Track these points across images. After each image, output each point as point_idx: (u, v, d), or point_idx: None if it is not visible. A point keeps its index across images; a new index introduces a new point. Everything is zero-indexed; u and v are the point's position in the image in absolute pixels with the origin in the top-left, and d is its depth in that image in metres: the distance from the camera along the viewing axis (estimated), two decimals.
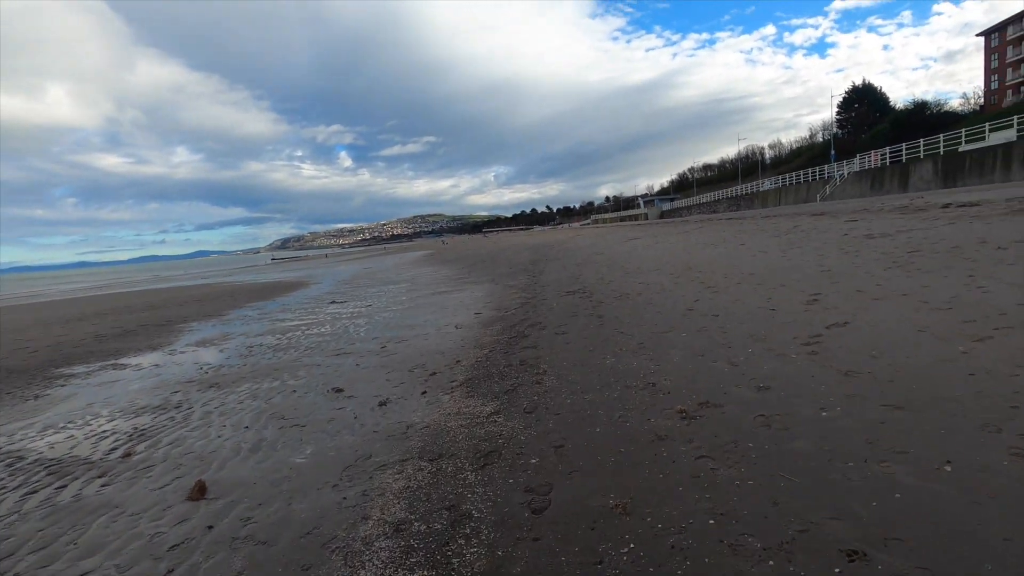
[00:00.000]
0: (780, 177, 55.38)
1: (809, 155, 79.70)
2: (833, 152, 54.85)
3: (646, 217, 79.41)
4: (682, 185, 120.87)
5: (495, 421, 4.12)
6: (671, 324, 6.42)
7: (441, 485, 3.18)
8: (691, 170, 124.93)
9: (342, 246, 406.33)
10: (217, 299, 20.54)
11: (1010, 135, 29.74)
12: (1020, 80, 59.07)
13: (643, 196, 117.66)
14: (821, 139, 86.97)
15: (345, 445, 4.13)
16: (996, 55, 63.51)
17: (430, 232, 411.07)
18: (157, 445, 4.68)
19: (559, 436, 3.61)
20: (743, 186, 62.98)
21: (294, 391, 6.07)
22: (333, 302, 15.58)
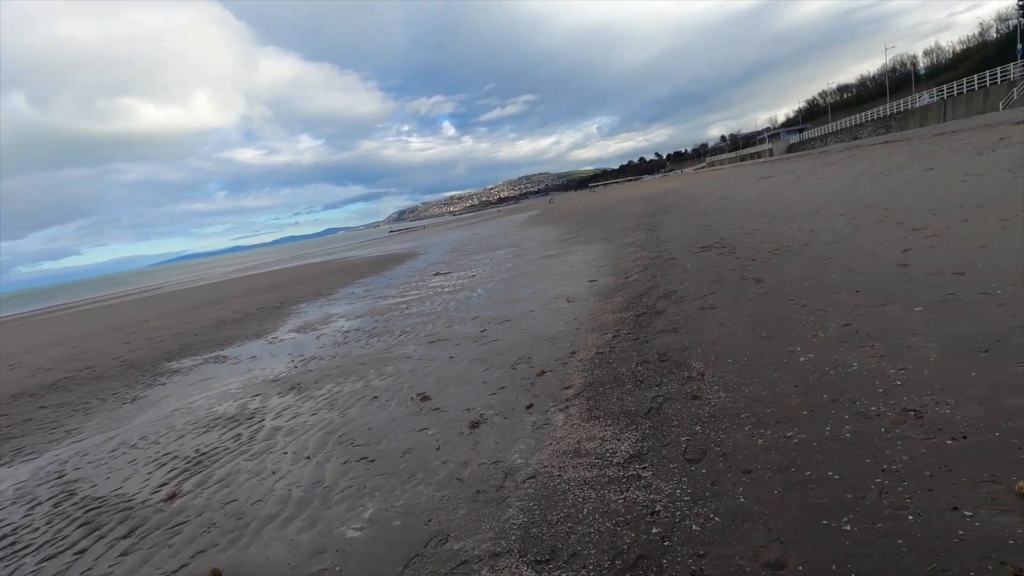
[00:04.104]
0: (941, 88, 45.79)
1: (980, 57, 65.62)
2: (1020, 46, 44.11)
3: (771, 153, 70.91)
4: (812, 113, 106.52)
5: (639, 477, 2.57)
6: (884, 291, 4.34)
7: None
8: (823, 94, 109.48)
9: (453, 213, 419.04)
10: (332, 276, 20.92)
11: None
12: None
13: (766, 130, 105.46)
14: (995, 35, 71.19)
15: (417, 506, 2.84)
16: None
17: (536, 192, 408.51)
18: (205, 484, 3.76)
19: (766, 533, 1.97)
20: (892, 104, 53.29)
21: (375, 397, 4.97)
22: (437, 274, 14.80)
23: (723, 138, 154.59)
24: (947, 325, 3.37)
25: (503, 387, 4.48)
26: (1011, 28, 59.58)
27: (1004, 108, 32.84)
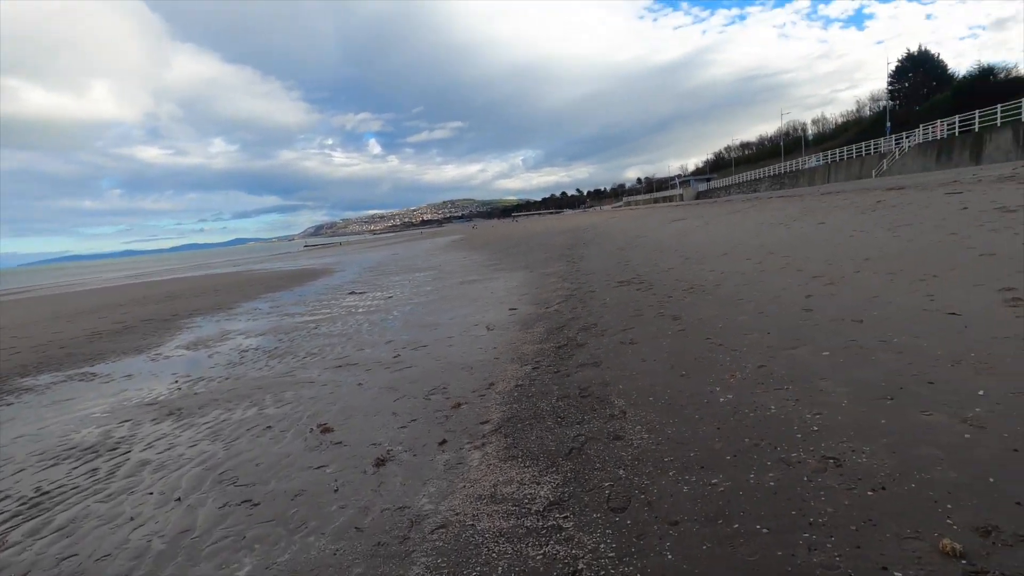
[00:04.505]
0: (826, 153, 51.51)
1: (857, 129, 74.72)
2: (889, 124, 50.76)
3: (681, 198, 75.99)
4: (718, 164, 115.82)
5: (560, 529, 2.35)
6: (794, 334, 4.51)
7: None
8: (728, 149, 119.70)
9: (373, 232, 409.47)
10: (235, 289, 19.39)
11: None
12: None
13: (678, 176, 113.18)
14: (869, 112, 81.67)
15: (304, 563, 2.43)
16: None
17: (460, 217, 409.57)
18: (40, 533, 3.09)
19: None
20: (786, 163, 59.18)
21: (268, 427, 4.43)
22: (352, 292, 14.10)
23: (639, 180, 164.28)
24: (853, 371, 3.50)
25: (415, 419, 4.14)
26: (881, 108, 68.57)
27: (876, 176, 37.33)
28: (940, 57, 69.79)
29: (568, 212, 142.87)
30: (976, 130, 32.38)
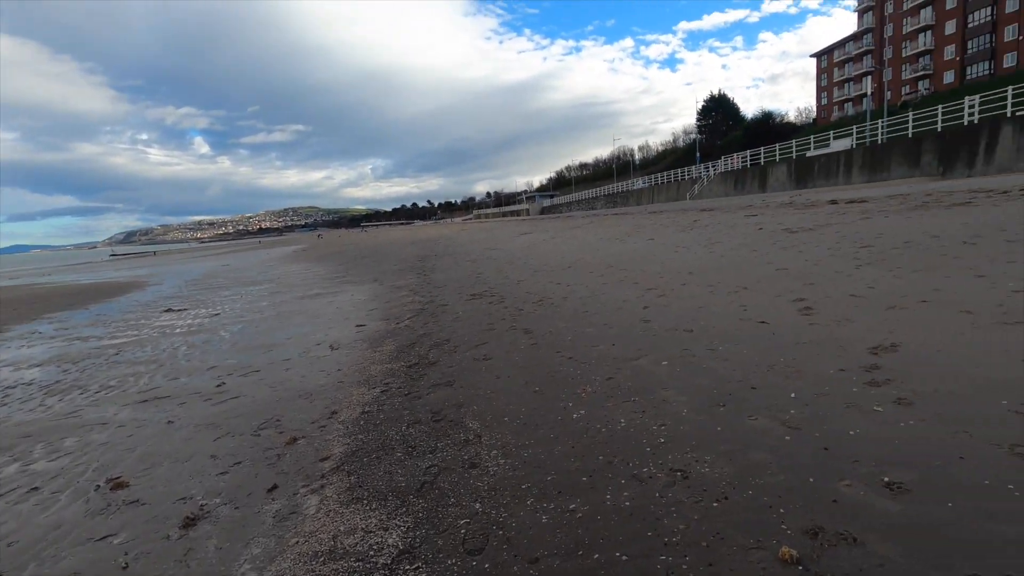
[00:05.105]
0: (650, 177, 57.96)
1: (674, 157, 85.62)
2: (698, 154, 58.81)
3: (528, 213, 79.81)
4: (560, 182, 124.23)
5: None
6: (636, 345, 4.74)
7: None
8: (568, 168, 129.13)
9: (201, 240, 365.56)
10: (6, 307, 15.66)
11: (847, 143, 33.07)
12: (844, 98, 67.88)
13: (524, 192, 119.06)
14: (682, 143, 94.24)
15: None
16: (825, 75, 72.43)
17: (303, 226, 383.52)
18: None
19: None
20: (618, 184, 65.37)
21: (35, 489, 3.47)
22: (169, 310, 12.17)
23: (489, 194, 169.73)
24: (689, 379, 3.74)
25: (238, 462, 3.53)
26: (692, 140, 79.38)
27: (689, 198, 42.82)
28: (735, 101, 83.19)
29: (419, 223, 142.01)
30: (762, 164, 38.83)
